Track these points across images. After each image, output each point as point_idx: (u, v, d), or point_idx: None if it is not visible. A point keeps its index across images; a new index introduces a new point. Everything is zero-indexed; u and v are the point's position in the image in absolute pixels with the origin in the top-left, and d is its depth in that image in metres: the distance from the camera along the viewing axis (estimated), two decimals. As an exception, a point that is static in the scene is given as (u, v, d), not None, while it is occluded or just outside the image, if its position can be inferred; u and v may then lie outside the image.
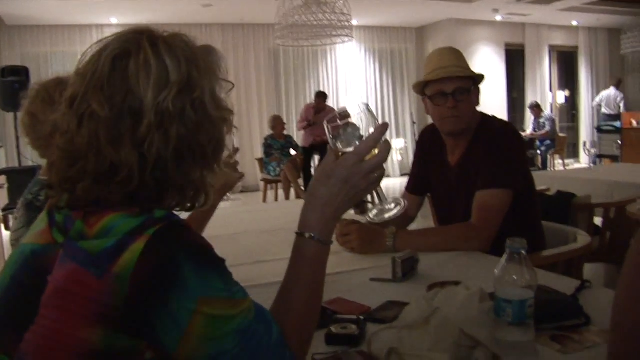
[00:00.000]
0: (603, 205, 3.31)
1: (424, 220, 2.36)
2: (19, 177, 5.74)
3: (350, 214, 2.37)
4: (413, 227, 2.26)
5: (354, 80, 11.56)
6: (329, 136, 1.02)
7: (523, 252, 1.07)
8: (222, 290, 0.82)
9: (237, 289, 0.85)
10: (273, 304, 0.96)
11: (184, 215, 0.93)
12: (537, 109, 11.03)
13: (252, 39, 10.79)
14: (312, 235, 0.96)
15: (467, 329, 1.02)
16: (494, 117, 2.15)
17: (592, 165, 5.16)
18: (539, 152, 10.66)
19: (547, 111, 11.56)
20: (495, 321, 1.08)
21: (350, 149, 0.99)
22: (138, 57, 0.85)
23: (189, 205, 0.92)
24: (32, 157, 6.44)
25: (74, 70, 0.91)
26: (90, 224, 0.82)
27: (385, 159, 0.98)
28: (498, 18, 11.31)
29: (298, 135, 9.45)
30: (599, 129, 10.88)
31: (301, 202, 1.07)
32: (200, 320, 0.79)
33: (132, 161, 0.83)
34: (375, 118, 1.02)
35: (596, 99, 11.90)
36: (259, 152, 9.23)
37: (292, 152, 8.78)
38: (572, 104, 13.23)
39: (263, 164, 8.77)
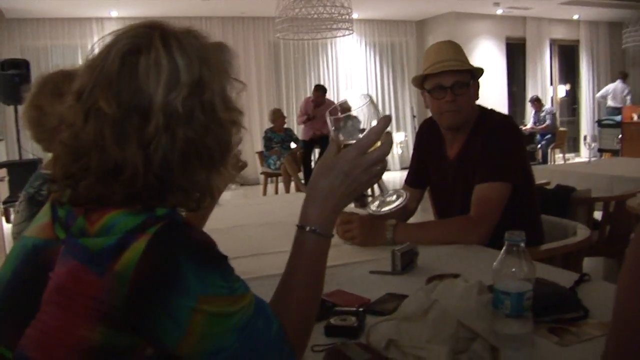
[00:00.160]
0: (603, 199, 3.31)
1: (424, 213, 2.37)
2: (19, 170, 5.75)
3: (351, 207, 2.37)
4: (413, 220, 2.27)
5: (355, 74, 11.55)
6: (330, 128, 1.01)
7: (522, 244, 1.08)
8: (222, 287, 0.81)
9: (238, 285, 0.84)
10: (273, 297, 0.96)
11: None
12: (537, 102, 11.03)
13: (252, 32, 10.78)
14: (313, 228, 0.96)
15: (465, 321, 1.03)
16: (492, 111, 2.15)
17: (592, 159, 5.16)
18: (539, 146, 10.65)
19: (547, 105, 11.55)
20: (493, 313, 1.08)
21: (352, 141, 0.98)
22: (149, 55, 0.83)
23: (193, 205, 0.90)
24: (32, 150, 6.45)
25: (83, 62, 0.89)
26: (92, 220, 0.82)
27: (387, 152, 0.97)
28: (499, 11, 11.29)
29: (298, 129, 9.44)
30: (600, 123, 10.88)
31: (301, 195, 1.07)
32: (201, 318, 0.79)
33: (137, 161, 0.82)
34: (377, 110, 1.01)
35: (601, 91, 11.88)
36: (259, 145, 9.23)
37: (292, 145, 8.78)
38: (572, 98, 13.22)
39: (263, 157, 8.77)
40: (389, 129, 0.98)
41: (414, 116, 11.47)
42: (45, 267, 0.82)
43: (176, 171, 0.84)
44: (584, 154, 12.24)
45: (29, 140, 1.85)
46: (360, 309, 1.26)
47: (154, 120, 0.82)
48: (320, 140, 8.65)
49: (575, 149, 12.72)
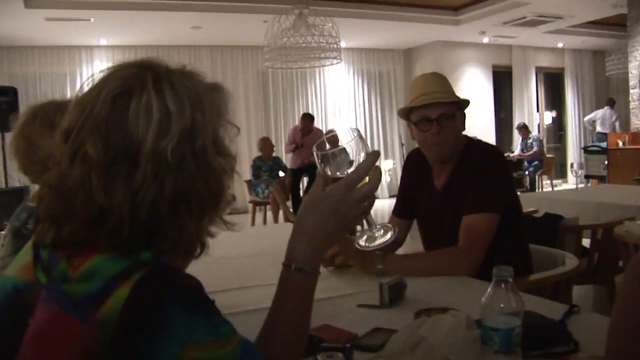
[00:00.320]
0: (590, 227, 3.32)
1: (414, 242, 2.35)
2: (5, 198, 5.70)
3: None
4: (401, 251, 2.25)
5: (343, 102, 11.63)
6: (317, 162, 0.99)
7: (510, 279, 1.06)
8: (209, 333, 0.78)
9: (224, 330, 0.81)
10: (259, 337, 0.94)
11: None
12: (524, 129, 11.13)
13: (241, 60, 10.85)
14: (300, 267, 0.94)
15: (453, 358, 1.01)
16: (479, 141, 2.15)
17: (579, 186, 5.21)
18: (527, 172, 10.72)
19: (534, 132, 11.66)
20: (482, 349, 1.07)
21: (340, 175, 0.97)
22: (140, 98, 0.81)
23: (182, 254, 0.87)
24: (19, 178, 6.39)
25: (74, 96, 0.86)
26: (75, 265, 0.79)
27: (376, 188, 0.96)
28: (485, 40, 11.46)
29: (286, 158, 9.45)
30: (586, 150, 10.98)
31: (288, 225, 1.06)
32: None
33: (124, 209, 0.79)
34: (365, 144, 0.99)
35: (588, 117, 12.01)
36: (247, 174, 9.24)
37: (281, 173, 8.78)
38: (559, 125, 13.36)
39: (252, 185, 8.76)
40: (377, 163, 0.97)
41: (402, 144, 11.53)
42: (25, 312, 0.80)
43: (164, 220, 0.82)
44: (571, 180, 12.35)
45: (16, 168, 1.80)
46: (348, 345, 1.24)
47: (142, 168, 0.79)
48: (309, 168, 8.66)
49: (562, 175, 12.82)
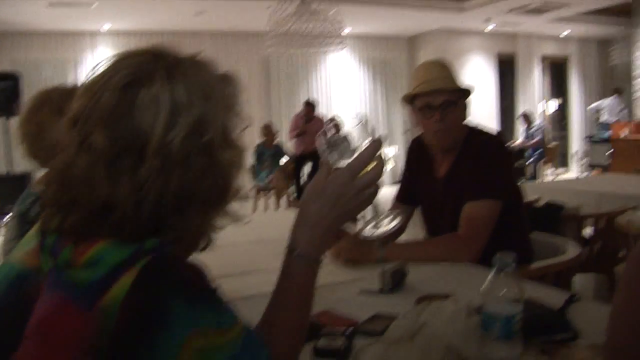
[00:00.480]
0: (592, 216, 3.33)
1: (416, 229, 2.35)
2: (7, 184, 5.70)
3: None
4: (403, 237, 2.26)
5: (346, 89, 11.58)
6: (320, 149, 0.99)
7: (511, 267, 1.07)
8: (212, 322, 0.78)
9: (227, 317, 0.81)
10: (260, 323, 0.94)
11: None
12: (527, 118, 11.08)
13: (244, 47, 10.79)
14: (302, 254, 0.94)
15: (453, 345, 1.02)
16: (480, 130, 2.15)
17: (582, 175, 5.19)
18: (529, 161, 10.69)
19: (537, 121, 11.62)
20: (482, 336, 1.07)
21: (343, 163, 0.96)
22: (150, 88, 0.79)
23: (186, 247, 0.86)
24: (22, 163, 6.39)
25: (83, 81, 0.85)
26: (79, 251, 0.79)
27: (379, 176, 0.95)
28: (489, 28, 11.38)
29: (289, 144, 9.44)
30: (590, 139, 10.94)
31: (290, 212, 1.06)
32: (189, 353, 0.76)
33: (128, 202, 0.78)
34: (369, 131, 0.99)
35: (592, 105, 11.92)
36: (249, 160, 9.23)
37: (282, 160, 8.78)
38: (562, 114, 13.31)
39: (255, 171, 8.75)
40: (381, 150, 0.96)
41: (406, 130, 11.50)
42: (28, 299, 0.80)
43: (169, 214, 0.81)
44: (574, 169, 12.33)
45: (20, 154, 1.80)
46: (348, 331, 1.25)
47: (148, 162, 0.78)
48: (311, 155, 8.66)
49: (564, 164, 12.79)
